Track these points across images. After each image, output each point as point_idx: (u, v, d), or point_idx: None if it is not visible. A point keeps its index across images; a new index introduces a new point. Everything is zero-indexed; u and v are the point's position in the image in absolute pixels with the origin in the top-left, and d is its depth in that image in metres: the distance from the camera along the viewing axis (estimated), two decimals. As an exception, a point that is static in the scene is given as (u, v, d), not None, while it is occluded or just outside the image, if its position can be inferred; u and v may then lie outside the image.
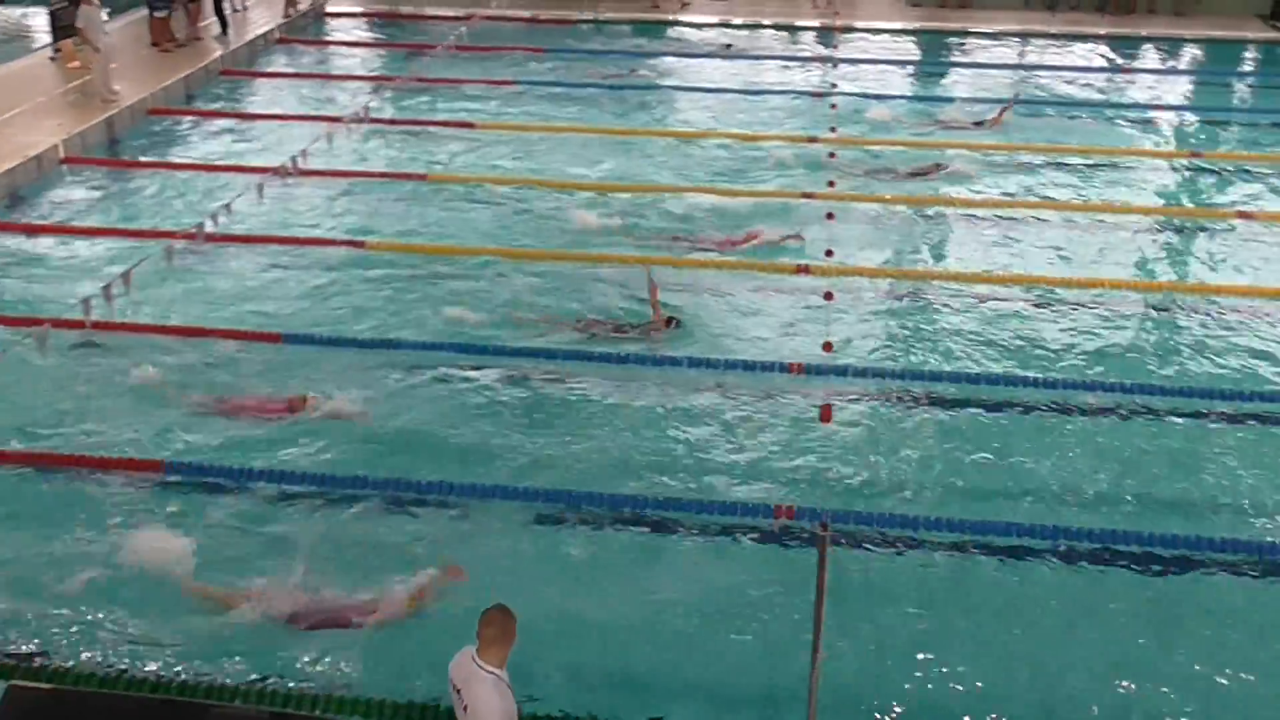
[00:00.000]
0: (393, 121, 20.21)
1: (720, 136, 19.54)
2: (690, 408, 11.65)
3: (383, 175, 17.67)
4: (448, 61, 23.14)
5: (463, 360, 12.34)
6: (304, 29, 26.96)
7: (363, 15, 28.80)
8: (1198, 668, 8.43)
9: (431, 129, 19.83)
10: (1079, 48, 26.03)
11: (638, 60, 24.55)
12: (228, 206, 15.62)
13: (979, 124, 20.25)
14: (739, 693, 8.20)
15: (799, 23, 27.84)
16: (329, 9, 28.66)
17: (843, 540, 9.44)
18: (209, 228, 15.11)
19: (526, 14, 27.57)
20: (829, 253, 14.95)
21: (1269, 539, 9.74)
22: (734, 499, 10.05)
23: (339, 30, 27.74)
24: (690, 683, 8.25)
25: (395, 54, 25.00)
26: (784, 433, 11.28)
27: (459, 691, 6.38)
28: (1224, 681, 8.32)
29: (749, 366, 12.21)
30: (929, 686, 8.22)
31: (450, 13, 27.34)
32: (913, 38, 27.12)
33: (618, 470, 10.62)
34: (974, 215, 16.56)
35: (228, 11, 25.18)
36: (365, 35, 27.43)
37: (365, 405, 11.44)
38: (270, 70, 23.89)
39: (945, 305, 13.90)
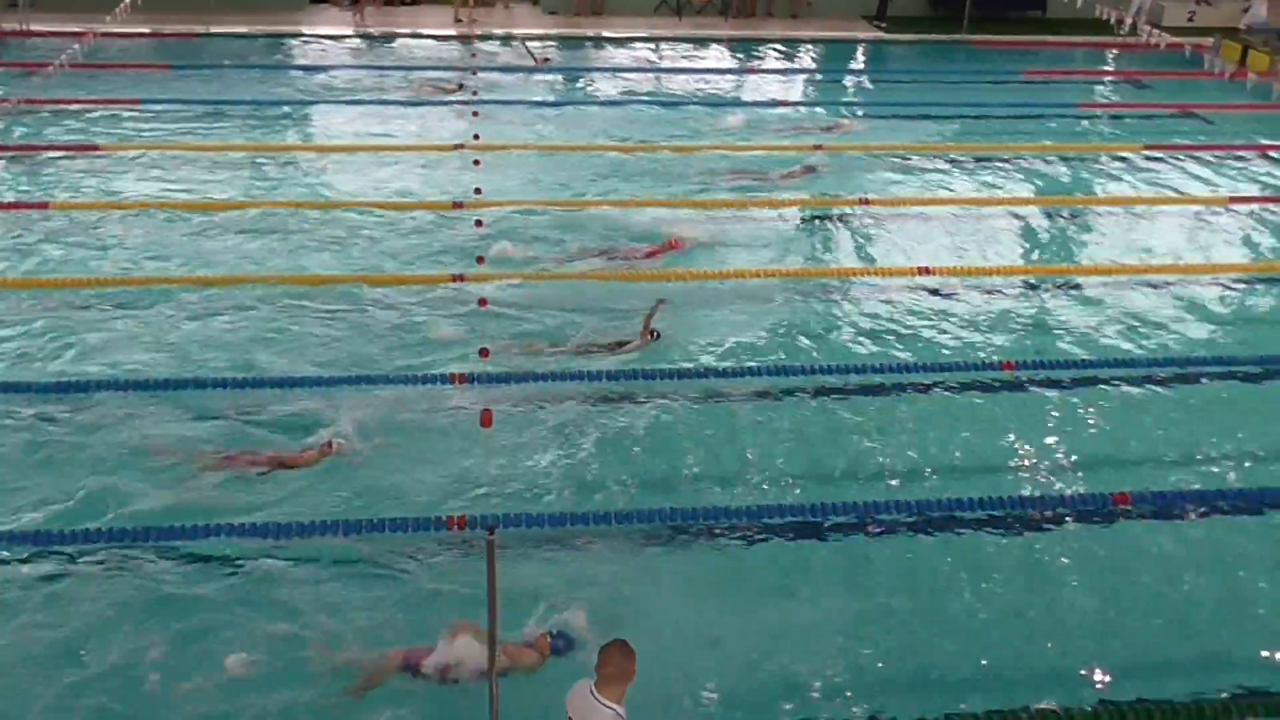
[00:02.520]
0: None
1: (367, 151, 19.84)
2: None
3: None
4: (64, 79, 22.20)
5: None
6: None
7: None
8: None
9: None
10: (707, 51, 27.90)
11: (277, 75, 24.43)
12: None
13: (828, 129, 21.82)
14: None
15: (439, 31, 28.40)
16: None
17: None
18: None
19: (148, 29, 26.77)
20: (480, 260, 15.57)
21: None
22: (402, 514, 10.23)
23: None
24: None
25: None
26: (448, 440, 11.74)
27: None
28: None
29: (410, 381, 12.54)
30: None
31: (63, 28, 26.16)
32: (554, 43, 28.20)
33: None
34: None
35: None
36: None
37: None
38: None
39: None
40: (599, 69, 26.40)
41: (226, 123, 21.31)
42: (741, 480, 11.33)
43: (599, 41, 28.57)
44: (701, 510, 10.25)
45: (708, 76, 25.87)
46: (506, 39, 28.05)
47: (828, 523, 10.56)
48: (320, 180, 18.72)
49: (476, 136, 20.47)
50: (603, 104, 23.36)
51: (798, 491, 11.11)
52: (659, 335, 13.71)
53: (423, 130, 21.19)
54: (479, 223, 16.81)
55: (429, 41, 27.78)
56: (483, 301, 14.39)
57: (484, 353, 13.14)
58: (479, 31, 28.27)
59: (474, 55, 26.60)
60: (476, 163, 19.26)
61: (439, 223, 16.94)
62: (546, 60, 26.54)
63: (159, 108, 21.76)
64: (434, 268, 15.44)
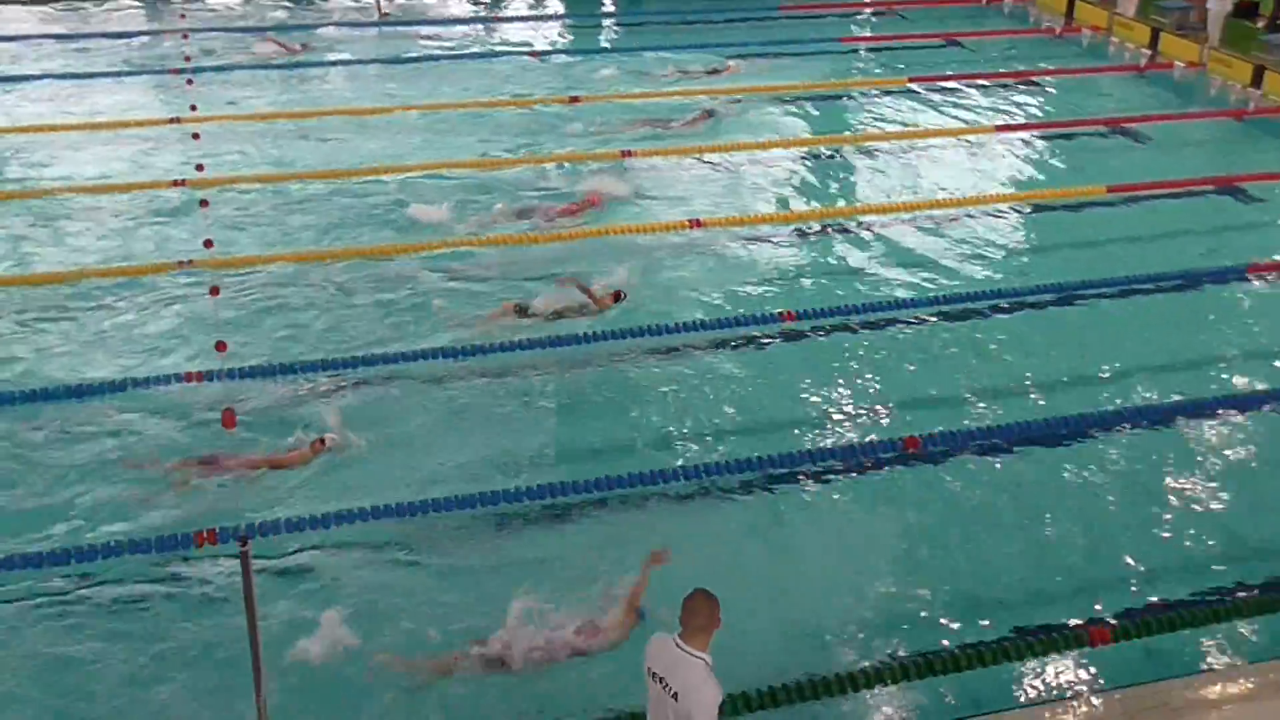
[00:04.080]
0: None
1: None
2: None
3: None
4: None
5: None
6: None
7: None
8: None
9: None
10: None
11: None
12: None
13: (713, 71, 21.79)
14: None
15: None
16: None
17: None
18: None
19: None
20: (208, 243, 14.40)
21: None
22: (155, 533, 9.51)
23: None
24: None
25: None
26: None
27: (662, 679, 6.56)
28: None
29: (143, 382, 11.57)
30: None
31: None
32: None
33: None
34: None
35: None
36: None
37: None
38: None
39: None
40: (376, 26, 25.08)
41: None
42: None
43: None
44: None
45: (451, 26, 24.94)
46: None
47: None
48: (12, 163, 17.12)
49: (194, 107, 19.10)
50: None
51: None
52: (624, 296, 13.40)
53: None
54: (204, 202, 15.62)
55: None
56: (214, 290, 13.30)
57: (221, 346, 12.09)
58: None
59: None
60: (196, 136, 17.97)
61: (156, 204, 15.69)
62: (387, 15, 25.61)
63: None
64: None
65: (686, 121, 19.23)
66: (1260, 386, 12.18)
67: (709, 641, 6.56)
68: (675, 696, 6.48)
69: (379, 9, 25.75)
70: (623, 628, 8.61)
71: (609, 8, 27.72)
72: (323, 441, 10.84)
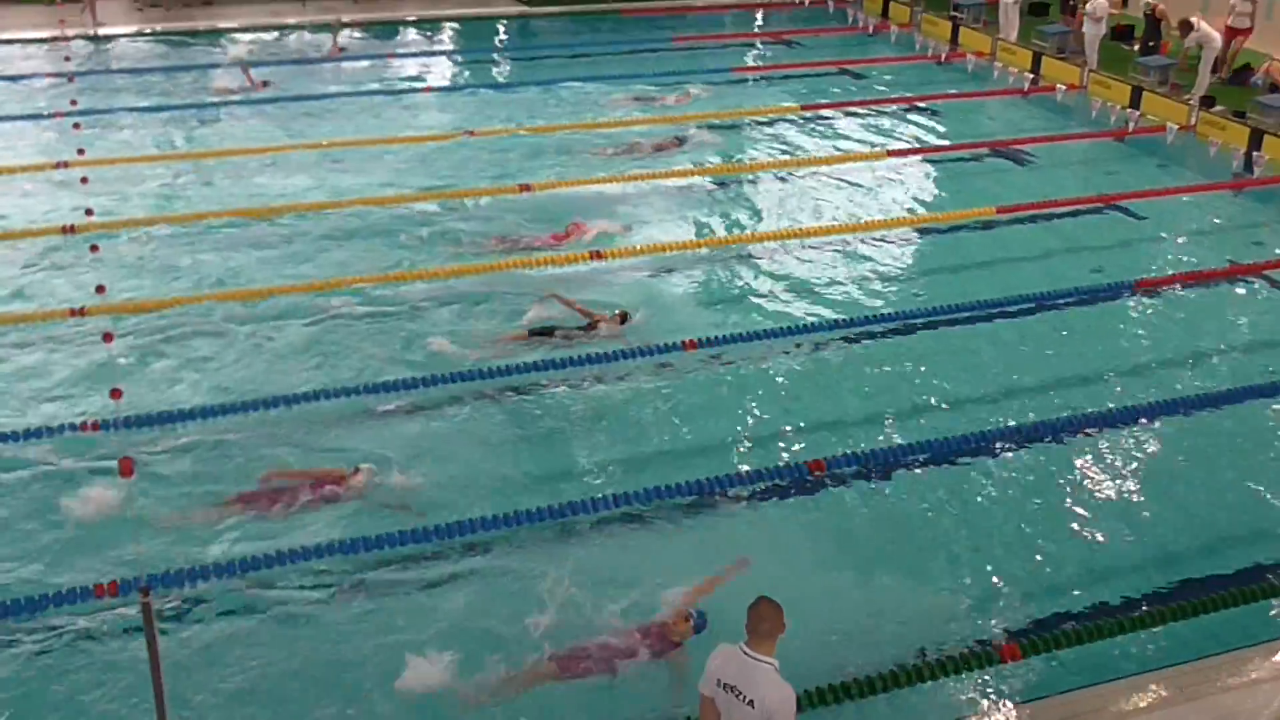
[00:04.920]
0: None
1: None
2: None
3: None
4: None
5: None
6: None
7: None
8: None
9: None
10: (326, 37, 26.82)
11: None
12: None
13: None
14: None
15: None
16: None
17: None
18: None
19: None
20: (100, 289, 14.25)
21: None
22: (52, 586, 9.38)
23: None
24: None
25: None
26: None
27: (733, 688, 6.69)
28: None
29: (35, 433, 11.38)
30: None
31: None
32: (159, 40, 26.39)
33: None
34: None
35: None
36: None
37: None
38: None
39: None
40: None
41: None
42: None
43: (215, 36, 26.85)
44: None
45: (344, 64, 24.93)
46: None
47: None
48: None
49: (81, 151, 18.87)
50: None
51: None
52: (629, 317, 13.81)
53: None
54: (94, 247, 15.44)
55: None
56: (108, 336, 13.17)
57: (115, 393, 11.96)
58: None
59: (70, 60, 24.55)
60: (85, 180, 17.75)
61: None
62: (342, 50, 25.59)
63: None
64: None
65: (657, 145, 19.80)
66: (1152, 399, 12.62)
67: (774, 647, 6.76)
68: (751, 704, 6.60)
69: (334, 46, 25.79)
70: (684, 633, 8.90)
71: (503, 44, 27.80)
72: (358, 470, 10.91)
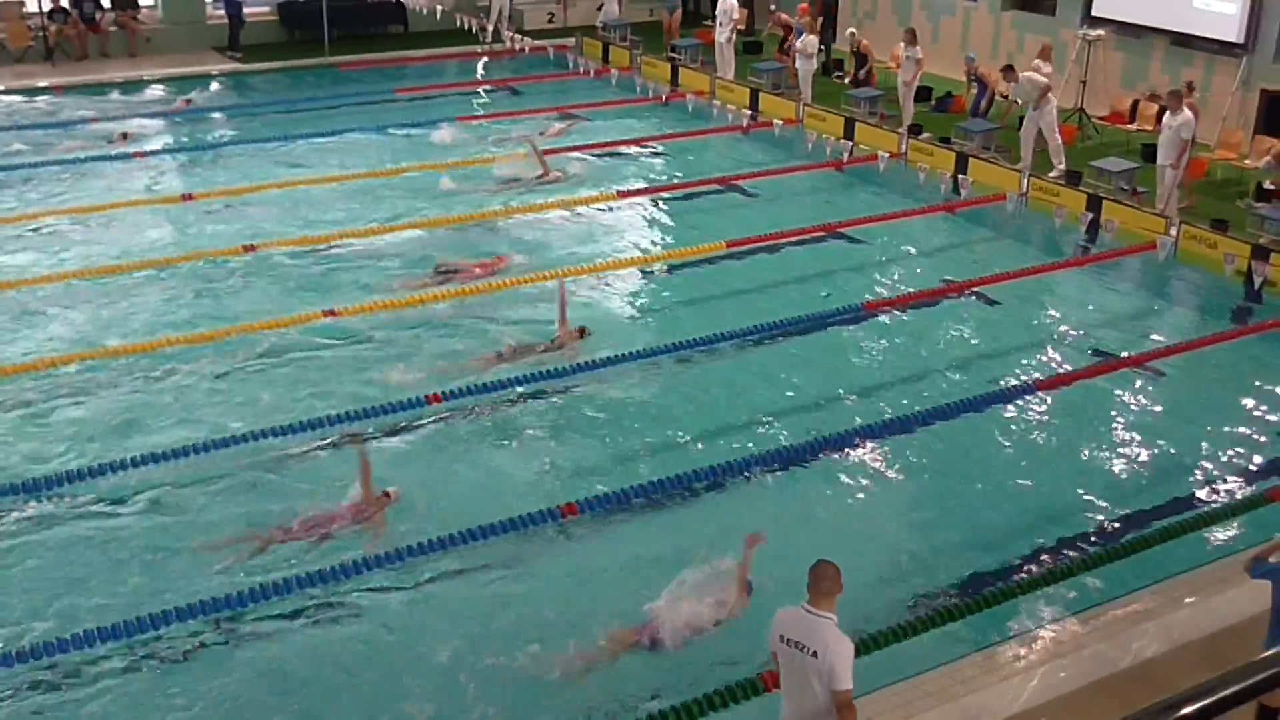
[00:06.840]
0: None
1: None
2: None
3: None
4: None
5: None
6: None
7: None
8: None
9: None
10: (42, 101, 25.64)
11: None
12: None
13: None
14: None
15: None
16: None
17: None
18: None
19: None
20: None
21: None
22: None
23: None
24: None
25: None
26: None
27: (798, 643, 7.27)
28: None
29: None
30: None
31: None
32: None
33: None
34: None
35: None
36: None
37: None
38: None
39: None
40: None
41: None
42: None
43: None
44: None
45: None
46: None
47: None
48: None
49: None
50: None
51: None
52: (588, 332, 14.68)
53: None
54: None
55: None
56: None
57: None
58: None
59: None
60: None
61: None
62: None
63: None
64: None
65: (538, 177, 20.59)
66: (890, 414, 13.30)
67: (835, 604, 7.34)
68: (814, 655, 7.20)
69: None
70: (743, 601, 9.82)
71: (212, 102, 26.94)
72: (388, 494, 11.28)
